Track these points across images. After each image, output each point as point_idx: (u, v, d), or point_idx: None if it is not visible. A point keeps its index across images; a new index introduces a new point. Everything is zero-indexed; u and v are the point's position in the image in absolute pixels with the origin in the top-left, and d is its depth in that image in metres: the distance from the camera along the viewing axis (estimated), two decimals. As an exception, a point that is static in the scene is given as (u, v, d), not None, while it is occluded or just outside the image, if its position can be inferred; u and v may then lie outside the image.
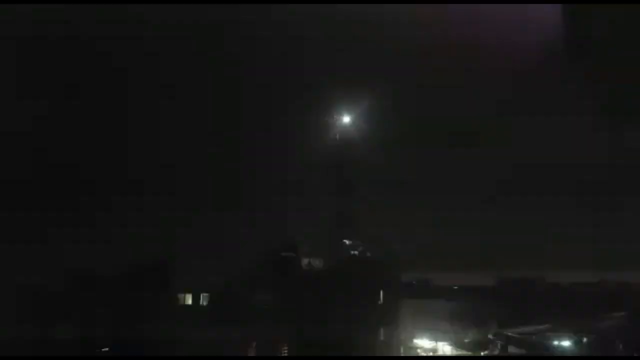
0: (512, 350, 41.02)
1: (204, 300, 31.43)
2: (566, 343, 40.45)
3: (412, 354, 42.32)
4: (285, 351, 32.58)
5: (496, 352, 41.96)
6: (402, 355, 39.62)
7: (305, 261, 37.86)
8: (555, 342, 40.70)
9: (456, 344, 42.41)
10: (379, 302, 38.78)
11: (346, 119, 40.83)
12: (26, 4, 39.43)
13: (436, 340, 43.00)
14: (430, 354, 42.80)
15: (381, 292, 38.81)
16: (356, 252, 40.04)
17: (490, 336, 43.51)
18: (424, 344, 43.46)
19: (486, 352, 41.96)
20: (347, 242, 39.87)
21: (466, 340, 42.89)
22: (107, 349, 27.54)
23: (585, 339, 40.55)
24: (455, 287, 58.89)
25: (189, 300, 31.23)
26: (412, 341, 43.48)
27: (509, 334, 42.42)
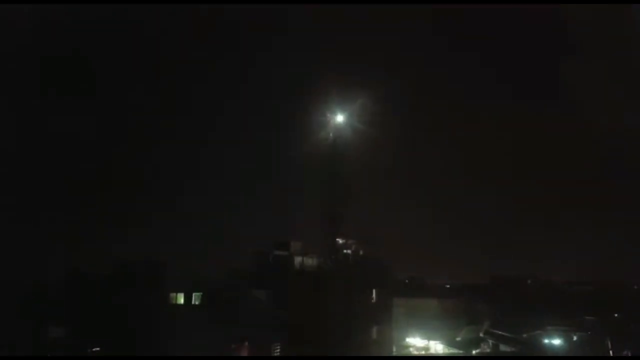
0: (504, 348, 41.25)
1: (196, 299, 31.33)
2: (556, 341, 40.71)
3: (404, 352, 42.46)
4: (278, 350, 32.56)
5: (488, 351, 42.17)
6: (394, 353, 39.73)
7: (298, 260, 37.84)
8: (546, 340, 40.96)
9: (448, 342, 42.59)
10: (372, 301, 38.85)
11: (339, 118, 40.82)
12: (26, 4, 39.15)
13: (428, 338, 43.18)
14: (423, 352, 42.95)
15: (374, 291, 38.86)
16: (349, 251, 40.09)
17: (481, 334, 43.73)
18: (416, 342, 43.64)
19: (478, 351, 42.16)
20: (340, 240, 39.88)
21: (458, 339, 43.08)
22: (98, 348, 27.40)
23: (575, 337, 40.83)
24: (448, 286, 59.28)
25: (181, 299, 31.13)
26: (404, 339, 43.65)
27: (500, 332, 42.64)
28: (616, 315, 47.29)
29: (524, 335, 41.40)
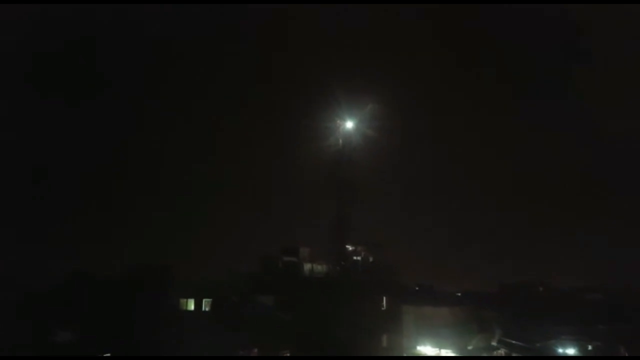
0: (517, 358, 40.56)
1: (206, 305, 31.10)
2: (570, 350, 39.99)
3: (415, 361, 41.86)
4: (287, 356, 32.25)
5: (500, 359, 41.49)
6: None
7: (307, 266, 37.58)
8: (560, 350, 40.24)
9: (460, 351, 41.89)
10: (382, 308, 38.46)
11: (349, 124, 40.60)
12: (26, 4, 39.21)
13: (439, 347, 42.46)
14: (434, 361, 42.29)
15: (384, 298, 38.49)
16: (359, 258, 39.75)
17: (493, 343, 43.06)
18: (427, 350, 42.95)
19: (490, 360, 41.46)
20: (349, 247, 39.54)
21: (469, 347, 42.37)
22: (108, 354, 27.17)
23: (590, 347, 40.07)
24: (459, 294, 58.55)
25: (191, 305, 30.91)
26: (415, 348, 43.03)
27: (514, 341, 41.96)
28: (629, 324, 46.33)
29: (537, 345, 40.72)
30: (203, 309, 31.00)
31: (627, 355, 38.66)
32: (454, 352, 41.83)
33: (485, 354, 41.72)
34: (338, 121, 40.68)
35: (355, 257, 40.03)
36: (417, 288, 53.59)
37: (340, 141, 40.60)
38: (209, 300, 31.16)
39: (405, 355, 39.65)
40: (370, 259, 40.55)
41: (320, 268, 38.08)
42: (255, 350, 31.29)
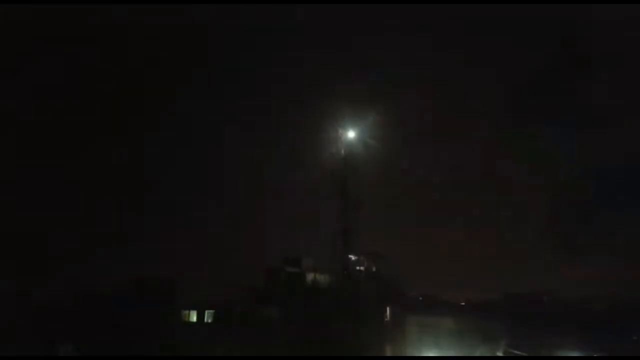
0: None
1: (208, 317, 31.10)
2: (574, 359, 39.68)
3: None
4: (291, 368, 32.13)
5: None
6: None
7: (310, 277, 37.52)
8: (566, 361, 39.92)
9: (463, 361, 41.61)
10: (385, 319, 38.35)
11: (351, 134, 40.72)
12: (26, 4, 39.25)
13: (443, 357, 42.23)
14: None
15: (387, 308, 38.38)
16: (362, 268, 39.71)
17: (497, 354, 42.76)
18: (430, 360, 42.71)
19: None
20: (352, 257, 39.50)
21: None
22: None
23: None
24: (462, 303, 58.19)
25: (193, 317, 30.91)
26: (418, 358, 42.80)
27: (517, 351, 41.66)
28: (635, 338, 45.83)
29: (542, 355, 40.42)
30: (205, 320, 30.97)
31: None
32: (458, 363, 41.52)
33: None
34: (340, 130, 40.81)
35: (358, 267, 39.99)
36: (420, 298, 53.38)
37: (343, 151, 40.72)
38: (212, 312, 31.15)
39: None
40: (374, 269, 40.52)
41: (323, 278, 38.02)
42: (258, 361, 31.19)
